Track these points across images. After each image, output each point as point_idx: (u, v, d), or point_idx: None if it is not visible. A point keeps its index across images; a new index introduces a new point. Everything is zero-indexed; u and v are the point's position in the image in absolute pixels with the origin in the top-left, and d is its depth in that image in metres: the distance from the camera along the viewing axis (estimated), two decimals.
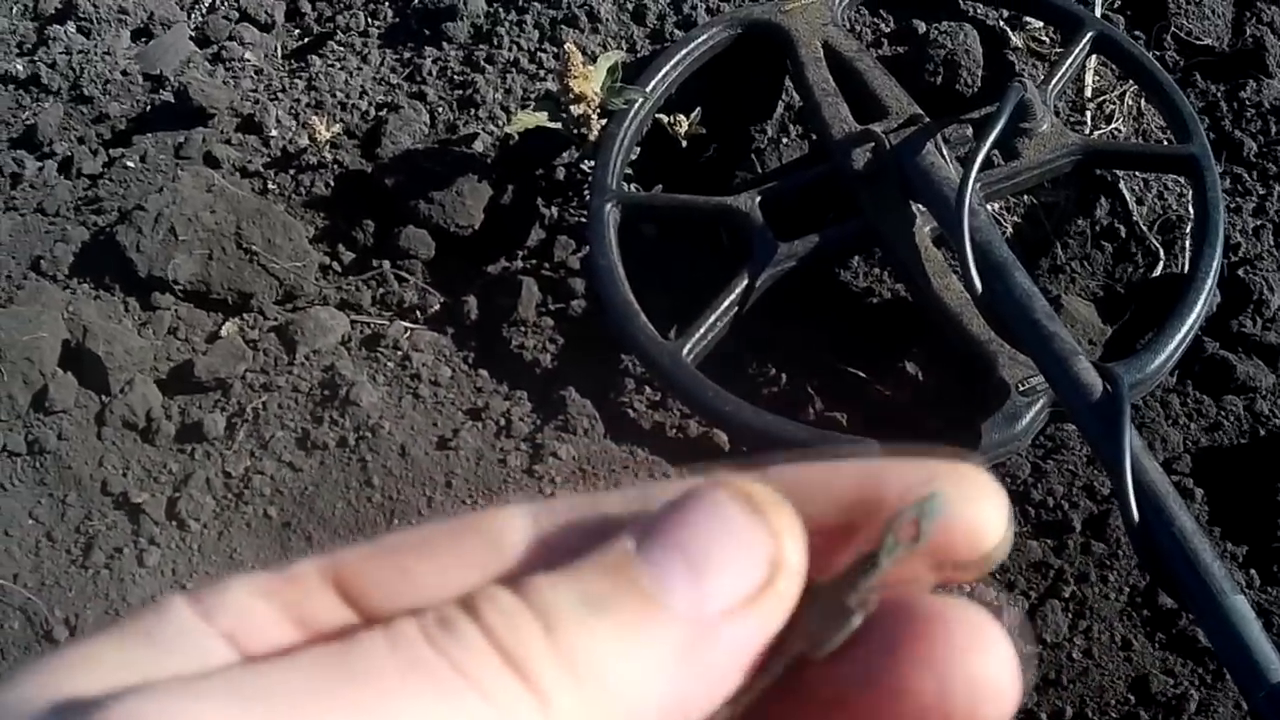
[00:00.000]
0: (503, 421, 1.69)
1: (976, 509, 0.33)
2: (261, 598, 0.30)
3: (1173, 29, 2.02)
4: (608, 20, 2.07)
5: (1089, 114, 1.96)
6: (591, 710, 0.29)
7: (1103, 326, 1.77)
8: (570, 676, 0.29)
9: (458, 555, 0.32)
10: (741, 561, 0.31)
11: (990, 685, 0.32)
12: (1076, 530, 1.58)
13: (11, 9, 2.29)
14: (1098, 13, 1.98)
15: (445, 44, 2.10)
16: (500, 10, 2.11)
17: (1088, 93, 1.98)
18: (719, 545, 0.31)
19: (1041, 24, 2.02)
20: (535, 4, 2.10)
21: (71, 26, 2.23)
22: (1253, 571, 1.55)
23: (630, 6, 2.08)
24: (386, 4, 2.20)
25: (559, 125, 1.84)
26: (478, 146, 1.95)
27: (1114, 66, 1.97)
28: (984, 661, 0.32)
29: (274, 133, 2.02)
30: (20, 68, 2.19)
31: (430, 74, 2.07)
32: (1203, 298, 1.63)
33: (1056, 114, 1.83)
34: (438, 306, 1.85)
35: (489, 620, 0.30)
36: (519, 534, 0.33)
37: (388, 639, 0.29)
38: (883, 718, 0.32)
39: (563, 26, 2.07)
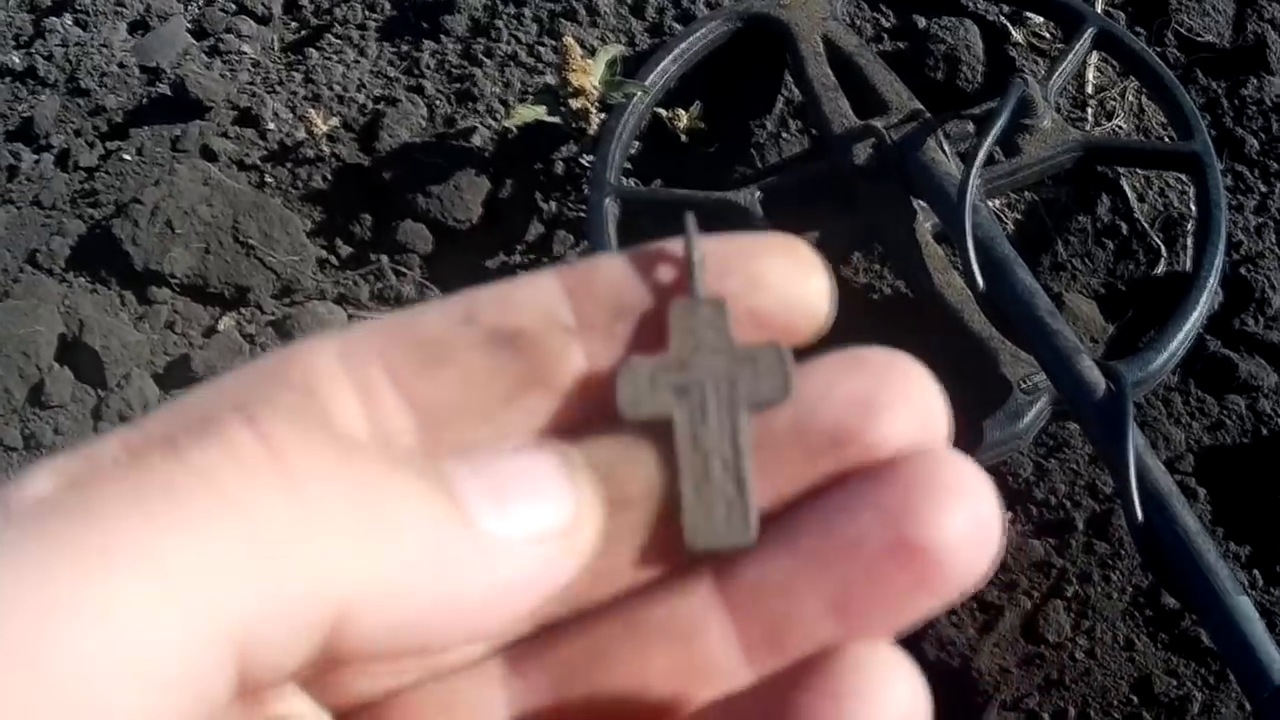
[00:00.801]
0: None
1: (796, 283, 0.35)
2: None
3: (1174, 25, 2.01)
4: (606, 14, 2.06)
5: (1090, 110, 1.96)
6: (366, 560, 0.27)
7: (1104, 324, 1.76)
8: (360, 511, 0.27)
9: None
10: (543, 506, 0.31)
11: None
12: (1079, 529, 1.58)
13: (8, 1, 2.28)
14: (1099, 9, 1.97)
15: (443, 37, 2.09)
16: (498, 3, 2.10)
17: (1089, 89, 1.97)
18: (527, 484, 0.31)
19: (1043, 20, 2.01)
20: None
21: (68, 19, 2.22)
22: (1256, 572, 1.54)
23: (629, 0, 2.07)
24: None
25: (558, 119, 1.83)
26: (476, 140, 1.94)
27: (1115, 63, 1.96)
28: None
29: (271, 126, 2.00)
30: (17, 60, 2.18)
31: (428, 67, 2.05)
32: (1205, 296, 1.62)
33: (1058, 110, 1.82)
34: None
35: (273, 429, 0.28)
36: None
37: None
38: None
39: (561, 20, 2.06)
